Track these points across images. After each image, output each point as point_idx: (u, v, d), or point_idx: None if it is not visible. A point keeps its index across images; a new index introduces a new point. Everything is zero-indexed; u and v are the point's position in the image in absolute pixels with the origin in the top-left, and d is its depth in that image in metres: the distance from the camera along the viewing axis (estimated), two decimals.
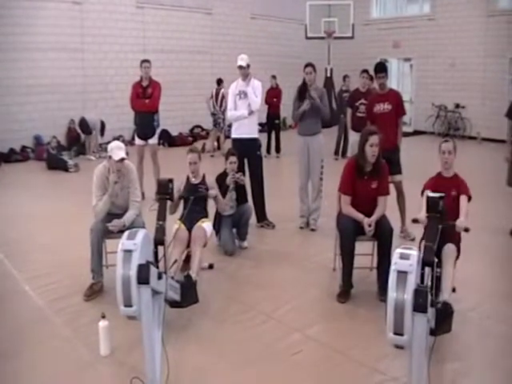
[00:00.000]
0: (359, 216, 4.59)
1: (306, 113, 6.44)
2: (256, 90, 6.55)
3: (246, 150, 6.54)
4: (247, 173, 6.65)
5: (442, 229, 3.05)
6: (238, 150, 6.49)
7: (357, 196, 4.69)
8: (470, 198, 4.34)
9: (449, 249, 4.07)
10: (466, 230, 3.93)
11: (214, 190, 5.34)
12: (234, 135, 6.70)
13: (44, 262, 5.51)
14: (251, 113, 6.52)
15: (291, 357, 3.74)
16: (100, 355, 3.70)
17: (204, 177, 5.41)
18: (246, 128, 6.56)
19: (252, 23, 16.88)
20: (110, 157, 4.68)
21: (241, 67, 6.47)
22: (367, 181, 4.69)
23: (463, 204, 4.24)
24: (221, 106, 12.63)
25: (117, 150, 4.68)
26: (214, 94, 12.75)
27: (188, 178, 5.34)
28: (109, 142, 11.94)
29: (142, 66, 7.90)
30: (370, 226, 4.54)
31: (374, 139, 4.56)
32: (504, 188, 6.77)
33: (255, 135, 6.69)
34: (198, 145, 13.60)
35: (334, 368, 3.63)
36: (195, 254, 4.75)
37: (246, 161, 6.61)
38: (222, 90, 12.60)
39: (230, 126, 13.55)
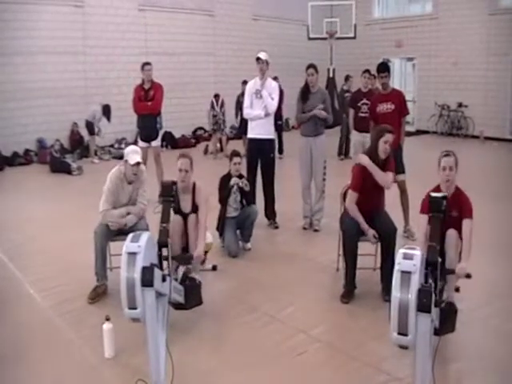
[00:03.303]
0: (364, 226, 4.61)
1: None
2: (273, 92, 6.58)
3: (261, 150, 6.64)
4: (259, 171, 6.74)
5: (443, 220, 3.05)
6: (253, 150, 6.60)
7: (365, 192, 4.70)
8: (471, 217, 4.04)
9: (451, 236, 3.97)
10: (468, 276, 3.45)
11: (201, 249, 4.54)
12: (250, 135, 6.76)
13: (48, 265, 5.52)
14: (267, 115, 6.57)
15: (296, 357, 3.74)
16: (104, 357, 3.71)
17: (194, 193, 4.84)
18: (262, 128, 6.62)
19: (254, 24, 16.88)
20: (126, 161, 4.72)
21: (258, 59, 6.48)
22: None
23: (466, 236, 3.93)
24: (221, 107, 12.68)
25: (132, 154, 4.74)
26: (213, 100, 12.82)
27: (178, 198, 4.51)
28: (111, 146, 11.95)
29: (144, 69, 7.92)
30: (374, 237, 4.60)
31: (389, 137, 4.68)
32: (507, 186, 6.75)
33: (271, 136, 6.77)
34: (201, 147, 13.67)
35: (339, 368, 3.64)
36: (200, 231, 4.64)
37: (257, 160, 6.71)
38: (222, 98, 12.79)
39: (232, 127, 13.78)
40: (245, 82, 12.52)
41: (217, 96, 12.82)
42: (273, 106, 6.55)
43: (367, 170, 4.68)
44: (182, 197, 4.78)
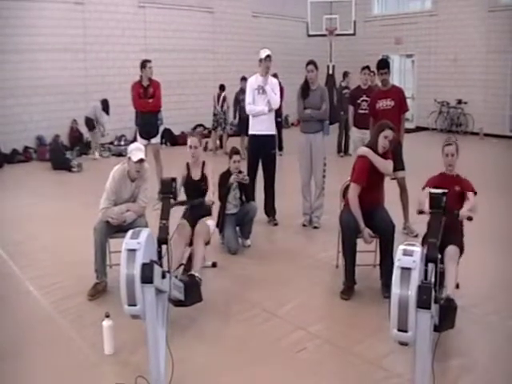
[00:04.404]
0: (361, 224, 4.60)
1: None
2: (274, 88, 6.61)
3: (263, 147, 6.66)
4: (259, 168, 6.76)
5: (444, 226, 3.05)
6: (254, 147, 6.63)
7: (365, 187, 4.68)
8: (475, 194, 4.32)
9: (451, 251, 4.03)
10: (469, 218, 3.94)
11: (211, 196, 5.13)
12: (251, 132, 6.76)
13: (48, 263, 5.53)
14: (271, 110, 6.59)
15: (295, 354, 3.74)
16: (104, 354, 3.71)
17: (203, 167, 5.30)
18: (263, 125, 6.63)
19: (253, 21, 16.87)
20: (130, 158, 4.72)
21: (268, 56, 6.48)
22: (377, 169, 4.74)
23: (470, 199, 4.22)
24: (222, 106, 12.66)
25: (136, 151, 4.73)
26: (216, 96, 12.80)
27: (188, 169, 5.28)
28: (111, 143, 11.91)
29: (147, 67, 7.87)
30: (370, 236, 4.61)
31: (389, 133, 4.69)
32: (506, 183, 6.75)
33: (273, 132, 6.77)
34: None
35: (339, 365, 3.64)
36: (198, 250, 4.73)
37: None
38: (224, 93, 12.68)
39: (232, 124, 13.77)
40: (244, 79, 12.53)
41: (222, 88, 12.76)
42: (277, 101, 6.59)
43: (371, 163, 4.68)
44: (192, 169, 5.30)
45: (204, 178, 5.27)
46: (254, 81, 6.66)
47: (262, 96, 6.55)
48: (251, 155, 6.76)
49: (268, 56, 6.48)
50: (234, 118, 12.47)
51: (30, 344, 3.88)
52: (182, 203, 4.91)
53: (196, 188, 5.22)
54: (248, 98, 6.67)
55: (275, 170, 6.81)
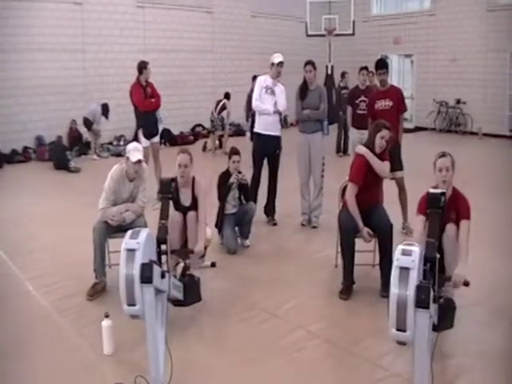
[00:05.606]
0: (359, 223, 4.61)
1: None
2: (281, 94, 6.69)
3: (268, 147, 6.70)
4: (265, 168, 6.82)
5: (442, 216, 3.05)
6: (259, 145, 6.72)
7: (363, 187, 4.70)
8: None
9: (450, 231, 3.94)
10: (466, 284, 3.42)
11: (200, 253, 4.69)
12: (256, 130, 6.80)
13: (47, 262, 5.52)
14: (276, 111, 6.64)
15: (295, 354, 3.75)
16: (103, 354, 3.71)
17: (193, 186, 4.95)
18: (270, 125, 6.67)
19: (252, 21, 16.87)
20: (128, 158, 4.71)
21: (281, 63, 6.64)
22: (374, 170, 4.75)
23: (462, 239, 3.85)
24: (219, 112, 12.60)
25: (134, 151, 4.73)
26: (216, 102, 12.75)
27: (177, 190, 4.72)
28: (110, 143, 11.88)
29: (148, 68, 7.88)
30: (369, 235, 4.61)
31: (386, 133, 4.70)
32: (505, 182, 6.76)
33: (277, 133, 6.80)
34: (200, 144, 13.64)
35: (337, 364, 3.65)
36: (200, 228, 4.73)
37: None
38: (225, 101, 12.64)
39: (231, 124, 13.75)
40: (255, 78, 12.46)
41: (226, 96, 12.71)
42: (284, 103, 6.66)
43: (369, 163, 4.69)
44: (181, 190, 4.90)
45: (195, 202, 4.90)
46: (263, 80, 6.73)
47: (270, 96, 6.61)
48: (257, 154, 6.79)
49: (281, 62, 6.56)
50: (247, 120, 12.32)
51: (29, 344, 3.89)
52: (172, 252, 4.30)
53: (186, 212, 4.91)
54: (256, 94, 6.72)
55: (278, 170, 6.85)
